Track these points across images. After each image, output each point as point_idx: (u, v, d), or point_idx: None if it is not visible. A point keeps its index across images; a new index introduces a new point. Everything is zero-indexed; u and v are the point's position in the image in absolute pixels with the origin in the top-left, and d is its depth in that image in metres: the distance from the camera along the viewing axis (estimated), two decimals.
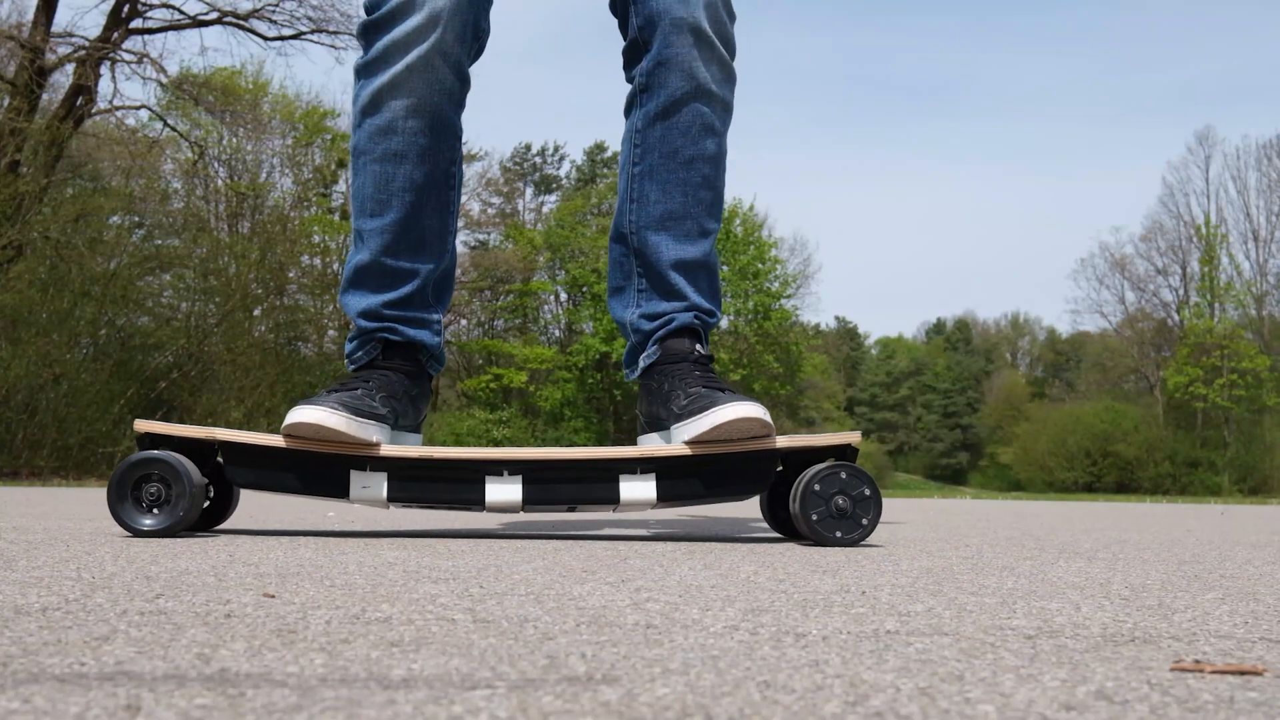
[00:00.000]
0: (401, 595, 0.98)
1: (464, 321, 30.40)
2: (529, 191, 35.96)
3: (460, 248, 30.66)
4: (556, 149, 36.29)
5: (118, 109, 15.64)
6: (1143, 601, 1.04)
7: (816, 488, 1.68)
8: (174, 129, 17.26)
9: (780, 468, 1.81)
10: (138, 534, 1.68)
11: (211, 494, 1.91)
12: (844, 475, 1.69)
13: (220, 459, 1.78)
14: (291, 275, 19.11)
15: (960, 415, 51.22)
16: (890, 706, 0.54)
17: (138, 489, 1.68)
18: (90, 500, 4.33)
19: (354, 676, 0.60)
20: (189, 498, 1.66)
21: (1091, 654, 0.72)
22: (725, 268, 28.65)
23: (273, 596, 0.95)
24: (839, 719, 0.52)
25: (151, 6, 15.27)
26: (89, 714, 0.50)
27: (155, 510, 1.68)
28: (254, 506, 3.77)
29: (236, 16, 15.25)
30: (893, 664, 0.67)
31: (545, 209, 34.51)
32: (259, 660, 0.64)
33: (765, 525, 2.60)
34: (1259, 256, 30.89)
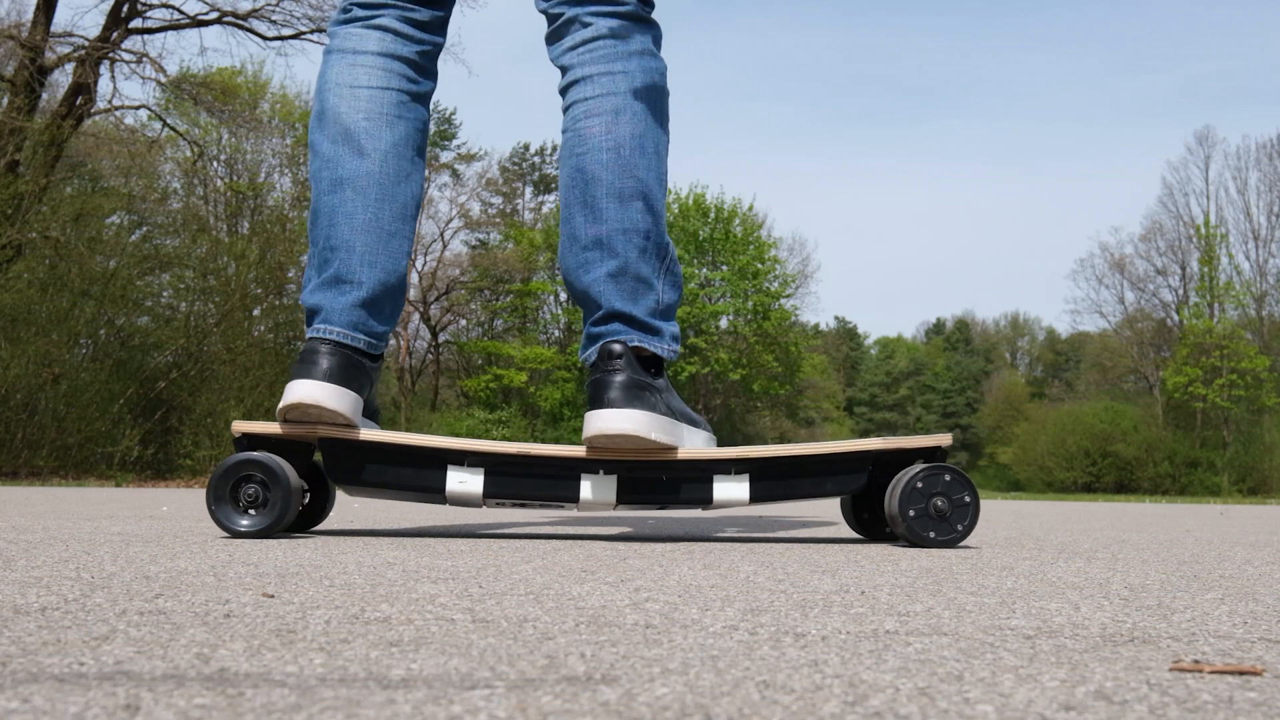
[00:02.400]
0: (401, 595, 0.98)
1: (463, 321, 30.42)
2: (528, 191, 35.97)
3: (460, 247, 30.71)
4: (555, 149, 36.27)
5: (117, 109, 15.64)
6: (1142, 601, 1.04)
7: (919, 485, 1.70)
8: (173, 129, 17.26)
9: (870, 468, 1.82)
10: (236, 535, 1.70)
11: (308, 495, 1.95)
12: (947, 478, 1.71)
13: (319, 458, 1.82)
14: (291, 275, 19.10)
15: (959, 415, 51.23)
16: (889, 706, 0.55)
17: (236, 490, 1.71)
18: (90, 500, 4.33)
19: (353, 676, 0.60)
20: (284, 499, 1.69)
21: (1090, 654, 0.72)
22: (724, 267, 28.67)
23: (272, 596, 0.95)
24: (838, 719, 0.52)
25: (151, 6, 15.27)
26: (88, 713, 0.50)
27: (253, 511, 1.70)
28: None
29: (236, 16, 15.25)
30: (892, 664, 0.67)
31: (545, 209, 34.51)
32: (258, 660, 0.64)
33: (764, 525, 2.60)
34: (1259, 256, 30.91)
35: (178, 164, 18.35)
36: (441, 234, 29.47)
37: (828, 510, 4.42)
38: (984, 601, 1.01)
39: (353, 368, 1.77)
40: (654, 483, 1.77)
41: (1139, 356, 32.60)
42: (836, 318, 57.12)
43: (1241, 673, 0.65)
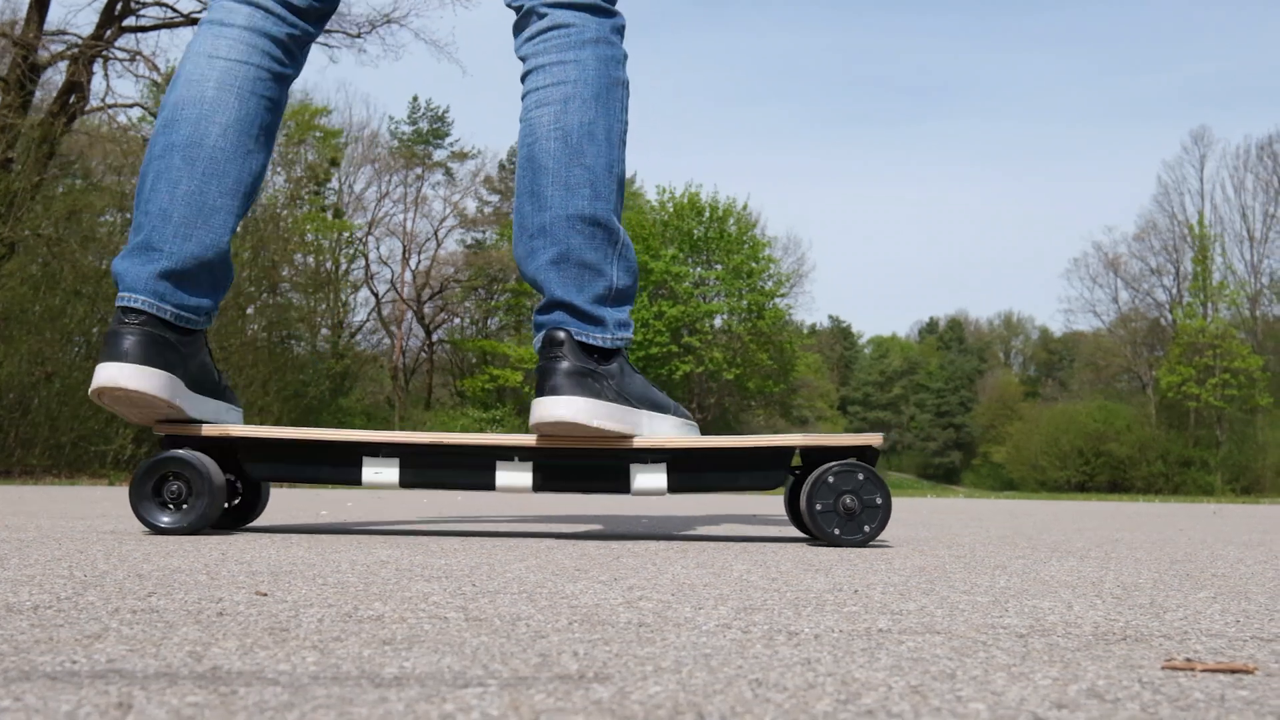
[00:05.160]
0: (394, 593, 0.98)
1: (458, 320, 30.40)
2: None
3: (455, 246, 30.67)
4: None
5: (110, 107, 15.61)
6: (1135, 600, 1.04)
7: (830, 480, 1.69)
8: None
9: (799, 464, 1.81)
10: (157, 531, 1.70)
11: (240, 492, 1.95)
12: (861, 476, 1.69)
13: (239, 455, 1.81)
14: (284, 273, 19.08)
15: (953, 414, 51.29)
16: (882, 705, 0.55)
17: (159, 488, 1.71)
18: (83, 499, 4.33)
19: (346, 674, 0.60)
20: (209, 495, 1.69)
21: (1083, 652, 0.72)
22: (719, 266, 28.67)
23: (265, 595, 0.95)
24: (830, 717, 0.52)
25: (145, 4, 15.25)
26: (80, 712, 0.50)
27: (176, 508, 1.70)
28: None
29: None
30: (885, 662, 0.67)
31: None
32: (251, 658, 0.64)
33: (761, 524, 2.60)
34: (1253, 257, 30.99)
35: None
36: (435, 232, 29.45)
37: None
38: (977, 600, 1.01)
39: (160, 344, 1.72)
40: (572, 469, 1.78)
41: (1132, 356, 32.67)
42: (831, 317, 57.20)
43: (1234, 671, 0.66)
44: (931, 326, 60.42)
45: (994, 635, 0.79)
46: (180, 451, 1.71)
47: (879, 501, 1.69)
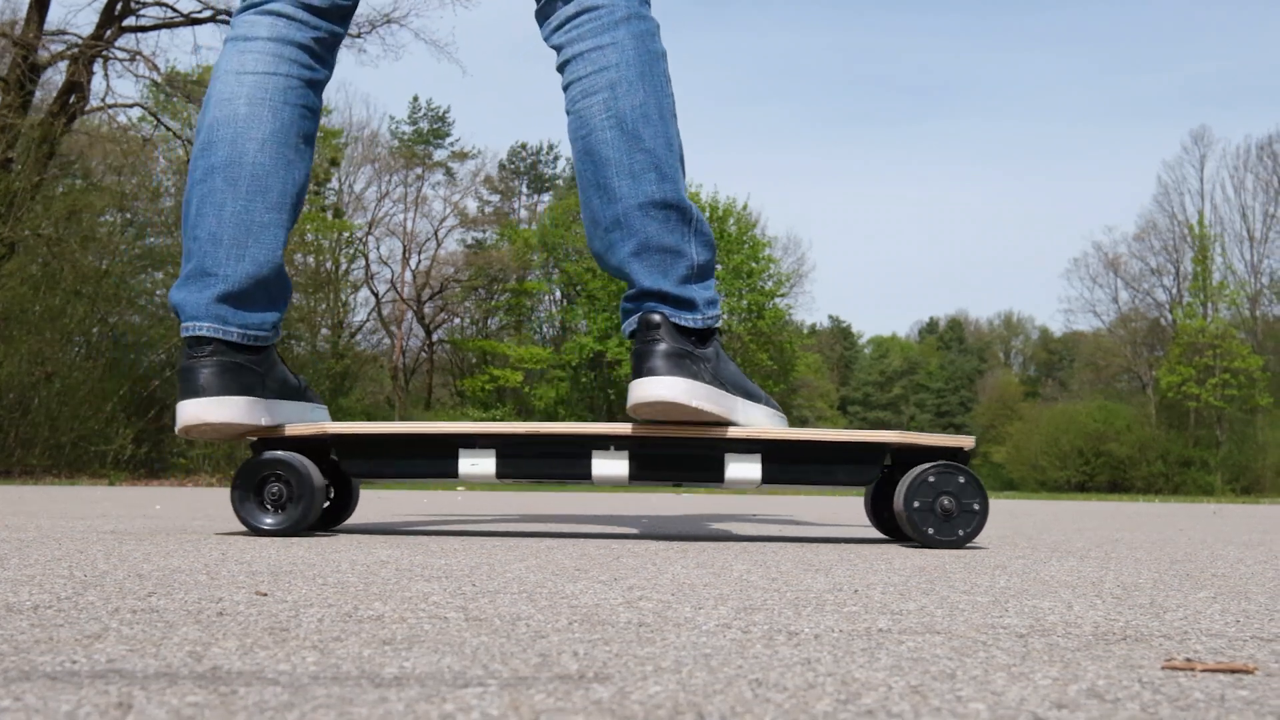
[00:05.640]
0: (394, 593, 0.98)
1: (458, 320, 30.40)
2: (524, 190, 35.97)
3: (455, 246, 30.67)
4: (551, 148, 36.29)
5: (110, 106, 15.61)
6: (1135, 600, 1.04)
7: (931, 479, 1.69)
8: (167, 126, 17.22)
9: (889, 464, 1.81)
10: (259, 533, 1.71)
11: (331, 493, 1.97)
12: (961, 479, 1.69)
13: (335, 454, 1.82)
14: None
15: (953, 414, 51.28)
16: (882, 705, 0.55)
17: (260, 490, 1.72)
18: (83, 499, 4.33)
19: (346, 674, 0.60)
20: (309, 496, 1.71)
21: (1083, 652, 0.72)
22: (719, 266, 28.69)
23: (265, 595, 0.95)
24: (830, 717, 0.52)
25: (145, 5, 15.25)
26: (80, 711, 0.50)
27: (277, 510, 1.72)
28: None
29: (230, 15, 15.22)
30: (885, 662, 0.67)
31: (540, 207, 34.52)
32: (251, 658, 0.64)
33: (762, 524, 2.60)
34: (1253, 257, 30.97)
35: (170, 162, 18.31)
36: (435, 232, 29.45)
37: (824, 510, 4.43)
38: (977, 600, 1.01)
39: (234, 369, 1.73)
40: (666, 459, 1.78)
41: (1132, 356, 32.65)
42: (831, 317, 57.15)
43: (1234, 671, 0.66)
44: (931, 326, 60.42)
45: (994, 635, 0.79)
46: (280, 453, 1.72)
47: (976, 507, 1.70)
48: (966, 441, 1.76)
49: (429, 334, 29.10)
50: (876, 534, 2.19)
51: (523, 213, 34.93)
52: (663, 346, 1.72)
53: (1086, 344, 37.31)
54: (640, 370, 1.72)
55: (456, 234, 31.01)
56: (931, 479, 1.69)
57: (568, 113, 1.83)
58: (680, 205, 1.78)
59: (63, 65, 14.77)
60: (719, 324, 1.82)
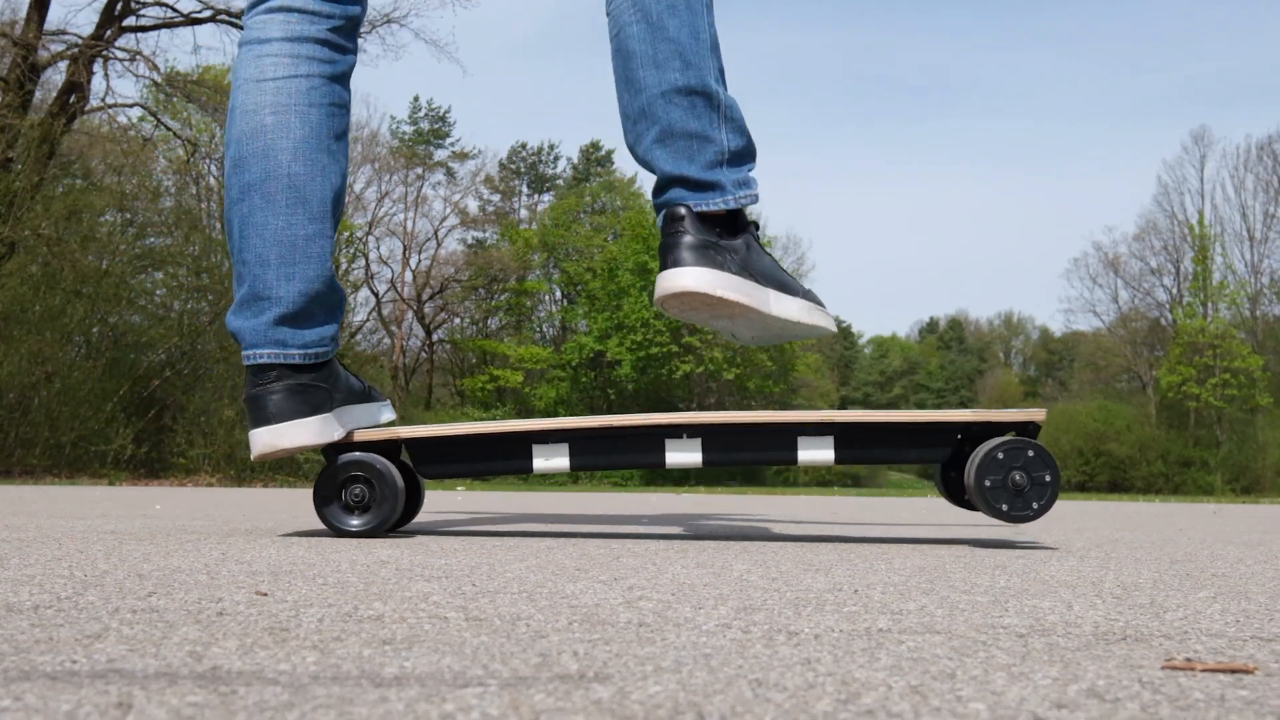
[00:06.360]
0: (394, 593, 0.98)
1: (458, 320, 30.40)
2: (524, 190, 35.97)
3: (456, 246, 30.66)
4: (552, 148, 36.31)
5: (110, 106, 15.61)
6: (1134, 600, 1.04)
7: (1000, 456, 1.69)
8: (167, 126, 17.22)
9: (959, 437, 1.82)
10: (344, 535, 1.73)
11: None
12: (1030, 453, 1.69)
13: (407, 456, 1.83)
14: None
15: None
16: (882, 705, 0.55)
17: (342, 492, 1.74)
18: (83, 499, 4.33)
19: (346, 674, 0.60)
20: (392, 498, 1.72)
21: (1083, 652, 0.72)
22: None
23: (265, 594, 0.95)
24: (830, 717, 0.52)
25: (145, 5, 15.25)
26: (80, 711, 0.50)
27: (361, 511, 1.73)
28: (248, 505, 3.78)
29: (230, 14, 15.22)
30: (885, 662, 0.67)
31: (540, 208, 34.52)
32: (251, 658, 0.64)
33: (758, 523, 2.60)
34: (1253, 257, 30.96)
35: (170, 162, 18.32)
36: (435, 232, 29.45)
37: (825, 510, 4.43)
38: (977, 600, 1.01)
39: (301, 392, 1.72)
40: (738, 443, 1.79)
41: (1133, 356, 32.64)
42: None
43: (1234, 671, 0.66)
44: (931, 326, 60.43)
45: (994, 635, 0.79)
46: (360, 455, 1.73)
47: (1048, 479, 1.70)
48: (1038, 414, 1.75)
49: (429, 334, 29.11)
50: (876, 534, 2.19)
51: (523, 213, 34.93)
52: (687, 239, 1.71)
53: (1086, 344, 37.31)
54: (665, 263, 1.72)
55: (456, 234, 31.03)
56: (1000, 456, 1.69)
57: (607, 16, 1.83)
58: (706, 91, 1.76)
59: (63, 65, 14.78)
60: (753, 203, 1.79)
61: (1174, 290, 31.66)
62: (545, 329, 31.78)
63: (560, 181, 35.77)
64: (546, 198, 35.17)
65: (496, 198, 34.10)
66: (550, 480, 23.76)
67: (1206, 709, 0.55)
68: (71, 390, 12.41)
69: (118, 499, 4.39)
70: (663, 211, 1.76)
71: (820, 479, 27.58)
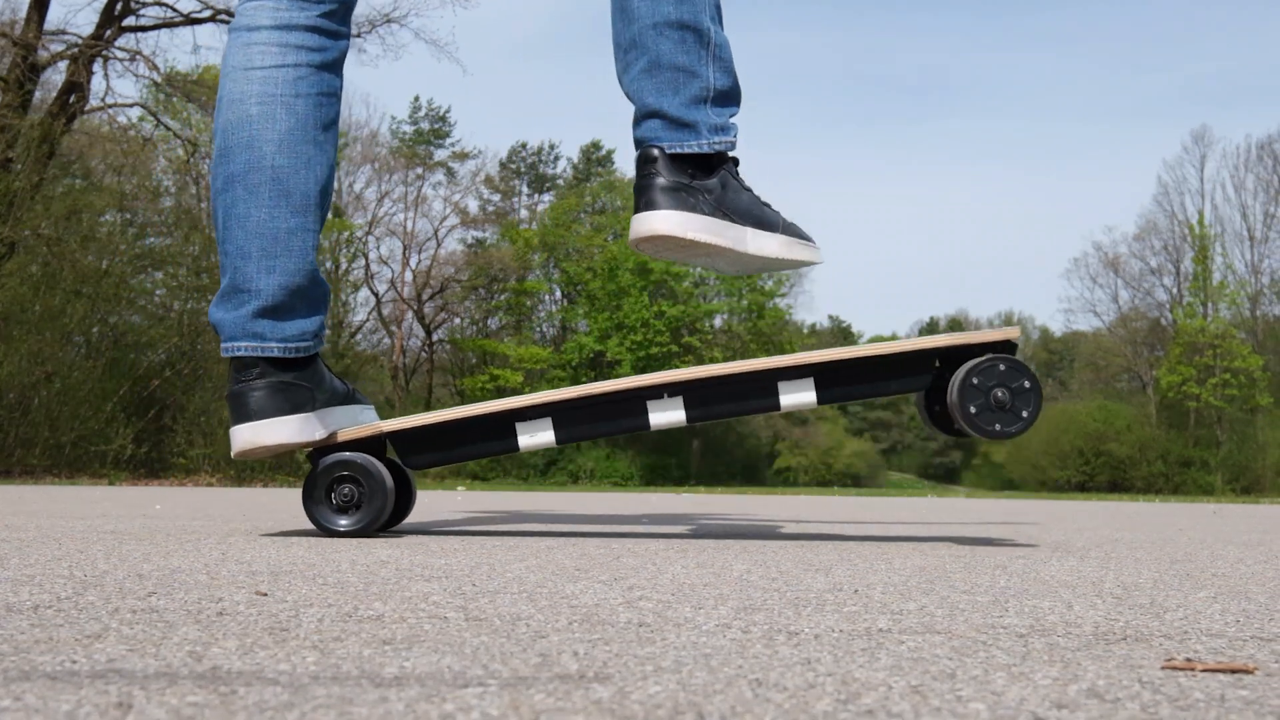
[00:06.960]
0: (394, 593, 0.98)
1: (458, 319, 30.41)
2: (524, 190, 35.97)
3: (456, 245, 30.66)
4: (552, 148, 36.30)
5: (110, 106, 15.61)
6: (1135, 600, 1.04)
7: (975, 381, 1.69)
8: (167, 126, 17.22)
9: (938, 364, 1.82)
10: (333, 535, 1.73)
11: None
12: (1002, 367, 1.70)
13: (393, 450, 1.83)
14: None
15: None
16: (882, 705, 0.55)
17: (330, 492, 1.74)
18: (83, 499, 4.33)
19: (346, 674, 0.60)
20: (382, 496, 1.72)
21: (1083, 652, 0.72)
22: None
23: (265, 594, 0.95)
24: (830, 717, 0.52)
25: (145, 4, 15.24)
26: (80, 711, 0.50)
27: (350, 510, 1.73)
28: (248, 505, 3.78)
29: (229, 14, 15.21)
30: (885, 662, 0.67)
31: (540, 208, 34.53)
32: (251, 658, 0.64)
33: (758, 523, 2.60)
34: (1253, 256, 30.94)
35: (170, 162, 18.31)
36: (435, 232, 29.45)
37: (825, 510, 4.43)
38: (977, 600, 1.01)
39: (282, 389, 1.71)
40: (719, 396, 1.79)
41: (1133, 356, 32.63)
42: (830, 316, 57.18)
43: (1234, 671, 0.66)
44: (931, 326, 60.43)
45: (994, 635, 0.79)
46: (348, 454, 1.73)
47: (1028, 385, 1.70)
48: (1012, 333, 1.76)
49: (429, 334, 29.09)
50: (876, 533, 2.19)
51: (523, 213, 34.92)
52: (659, 181, 1.72)
53: (1086, 344, 37.30)
54: (638, 205, 1.73)
55: (457, 234, 31.01)
56: (975, 381, 1.69)
57: None
58: (698, 28, 1.76)
59: (63, 65, 14.77)
60: (728, 150, 1.79)
61: (1174, 290, 31.65)
62: (545, 329, 31.79)
63: (560, 181, 35.76)
64: (547, 198, 35.17)
65: (496, 198, 34.09)
66: (550, 480, 23.77)
67: (1206, 709, 0.55)
68: (71, 390, 12.40)
69: (118, 499, 4.39)
70: (639, 151, 1.77)
71: (820, 479, 27.55)
